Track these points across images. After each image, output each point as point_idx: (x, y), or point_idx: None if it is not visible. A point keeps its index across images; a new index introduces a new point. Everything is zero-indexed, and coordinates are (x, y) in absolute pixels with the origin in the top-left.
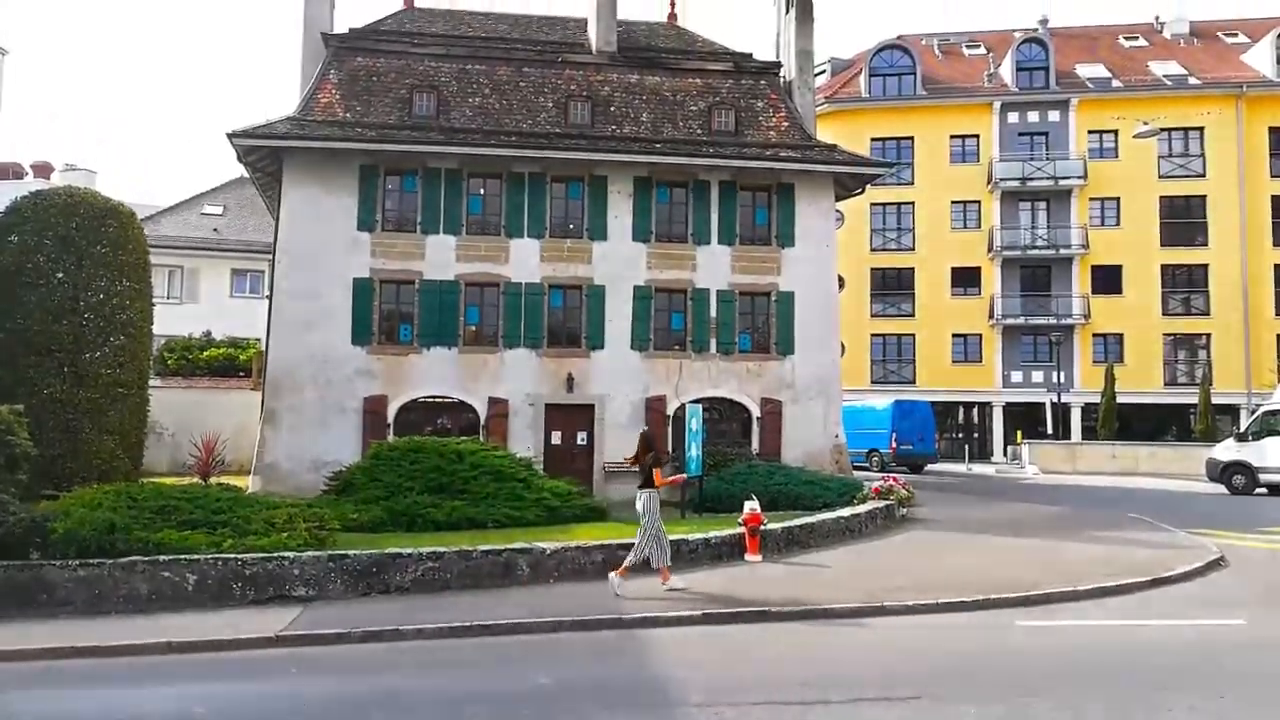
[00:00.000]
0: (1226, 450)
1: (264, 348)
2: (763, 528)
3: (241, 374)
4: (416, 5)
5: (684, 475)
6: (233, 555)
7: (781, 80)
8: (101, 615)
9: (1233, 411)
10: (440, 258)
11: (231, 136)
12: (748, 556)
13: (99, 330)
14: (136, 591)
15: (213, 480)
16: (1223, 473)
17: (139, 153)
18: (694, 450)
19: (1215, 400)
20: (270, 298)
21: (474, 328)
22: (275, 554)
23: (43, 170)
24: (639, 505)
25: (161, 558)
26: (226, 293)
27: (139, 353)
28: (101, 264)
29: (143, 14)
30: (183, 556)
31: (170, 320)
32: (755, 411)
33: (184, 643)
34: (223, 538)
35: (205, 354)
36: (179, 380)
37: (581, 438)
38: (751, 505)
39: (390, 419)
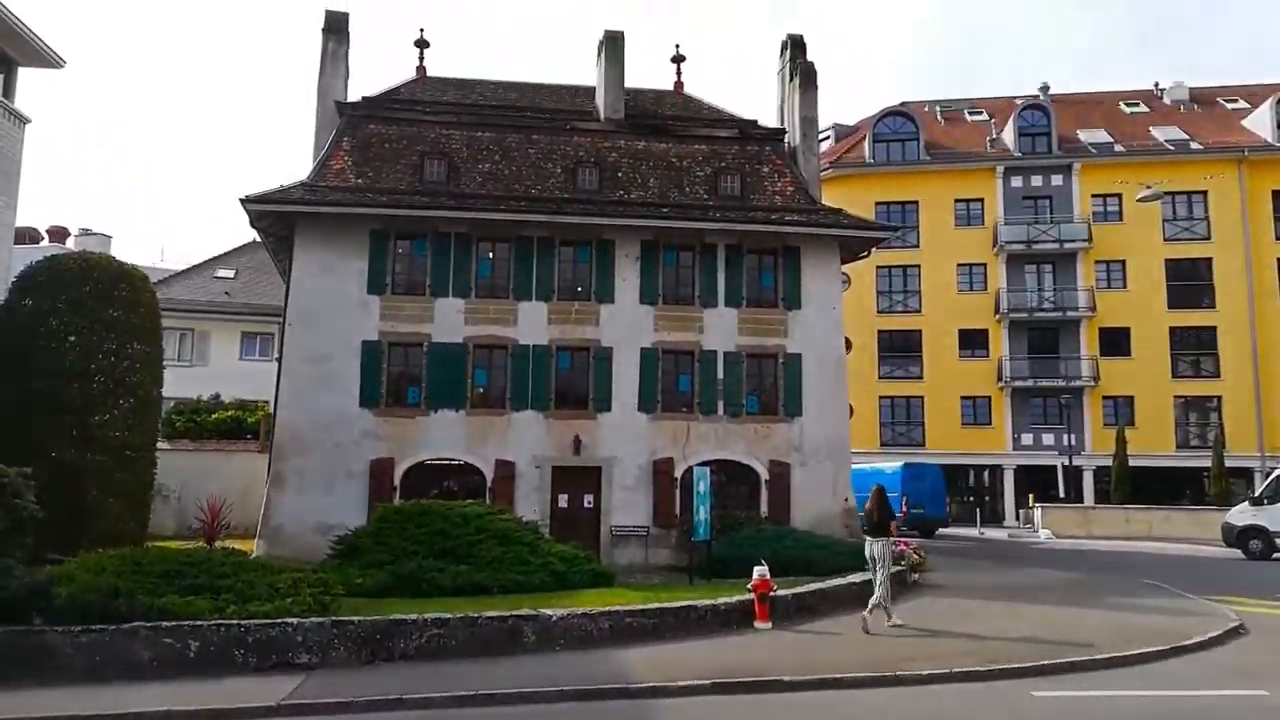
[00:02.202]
0: (1242, 514)
1: (272, 410)
2: (772, 594)
3: (249, 436)
4: (429, 74)
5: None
6: (236, 621)
7: (786, 146)
8: (103, 682)
9: (1247, 475)
10: (449, 320)
11: (245, 202)
12: (757, 624)
13: (109, 393)
14: (138, 658)
15: (218, 544)
16: (1239, 537)
17: (155, 217)
18: (702, 513)
19: (1229, 463)
20: (280, 360)
21: (481, 390)
22: (278, 620)
23: (58, 235)
24: (876, 551)
25: (164, 624)
26: (236, 355)
27: (148, 416)
28: (113, 328)
29: (160, 82)
30: (186, 623)
31: (180, 382)
32: (763, 474)
33: (184, 711)
34: (226, 603)
35: (214, 416)
36: (187, 442)
37: (588, 500)
38: (760, 570)
39: (396, 482)
